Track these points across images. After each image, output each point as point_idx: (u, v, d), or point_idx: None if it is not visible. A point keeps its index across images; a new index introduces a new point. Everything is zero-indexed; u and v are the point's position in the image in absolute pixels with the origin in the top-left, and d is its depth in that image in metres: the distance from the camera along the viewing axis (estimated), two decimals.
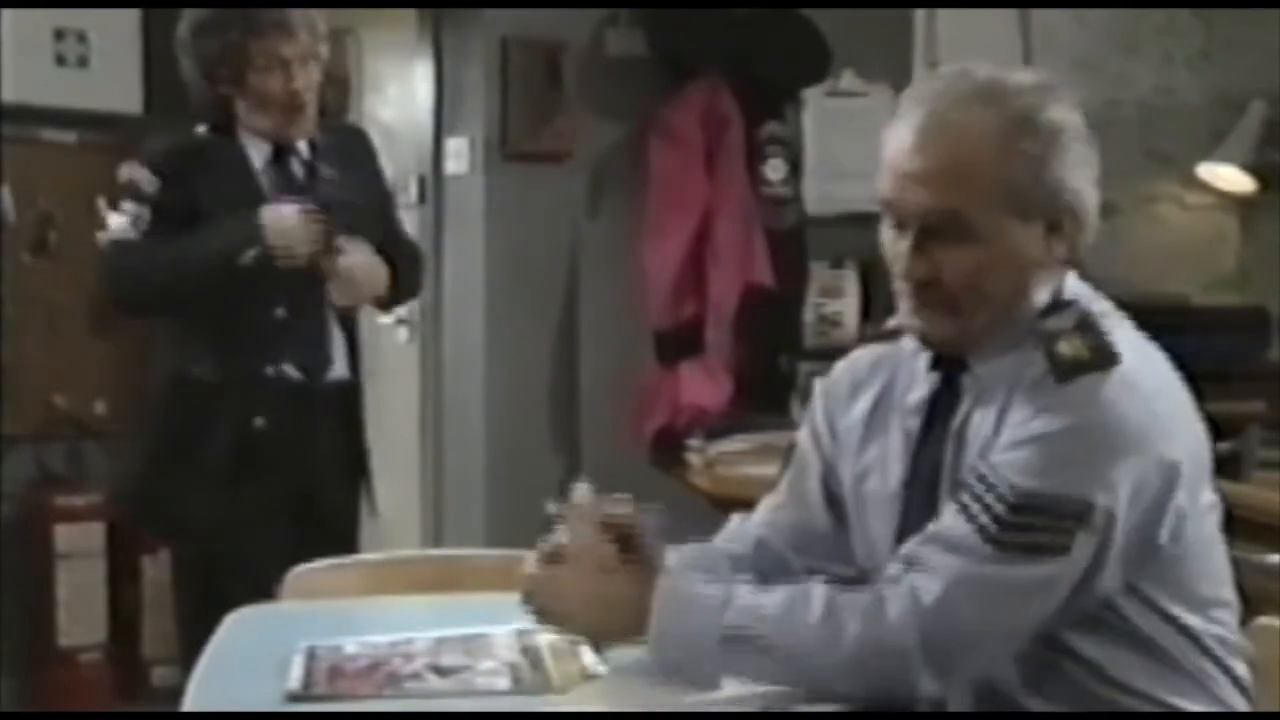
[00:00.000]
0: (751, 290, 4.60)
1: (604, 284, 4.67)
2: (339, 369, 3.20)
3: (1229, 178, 4.52)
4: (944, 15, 4.73)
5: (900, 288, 1.75)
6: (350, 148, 3.31)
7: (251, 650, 1.94)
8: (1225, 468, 1.96)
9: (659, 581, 1.73)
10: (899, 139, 1.72)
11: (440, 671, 1.79)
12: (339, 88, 4.61)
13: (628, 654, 1.79)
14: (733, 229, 4.61)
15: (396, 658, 1.84)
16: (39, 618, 4.61)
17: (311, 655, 1.84)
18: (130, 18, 4.74)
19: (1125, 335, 1.72)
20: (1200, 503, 1.71)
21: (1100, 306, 1.75)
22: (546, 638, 1.86)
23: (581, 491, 1.82)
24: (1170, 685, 1.69)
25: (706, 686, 1.68)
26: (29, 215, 4.63)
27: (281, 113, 3.10)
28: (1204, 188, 4.60)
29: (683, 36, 4.65)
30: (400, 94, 4.94)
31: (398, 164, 4.56)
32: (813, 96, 4.83)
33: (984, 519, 1.62)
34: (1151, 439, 1.64)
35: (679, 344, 4.64)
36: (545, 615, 1.80)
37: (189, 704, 1.77)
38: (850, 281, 4.77)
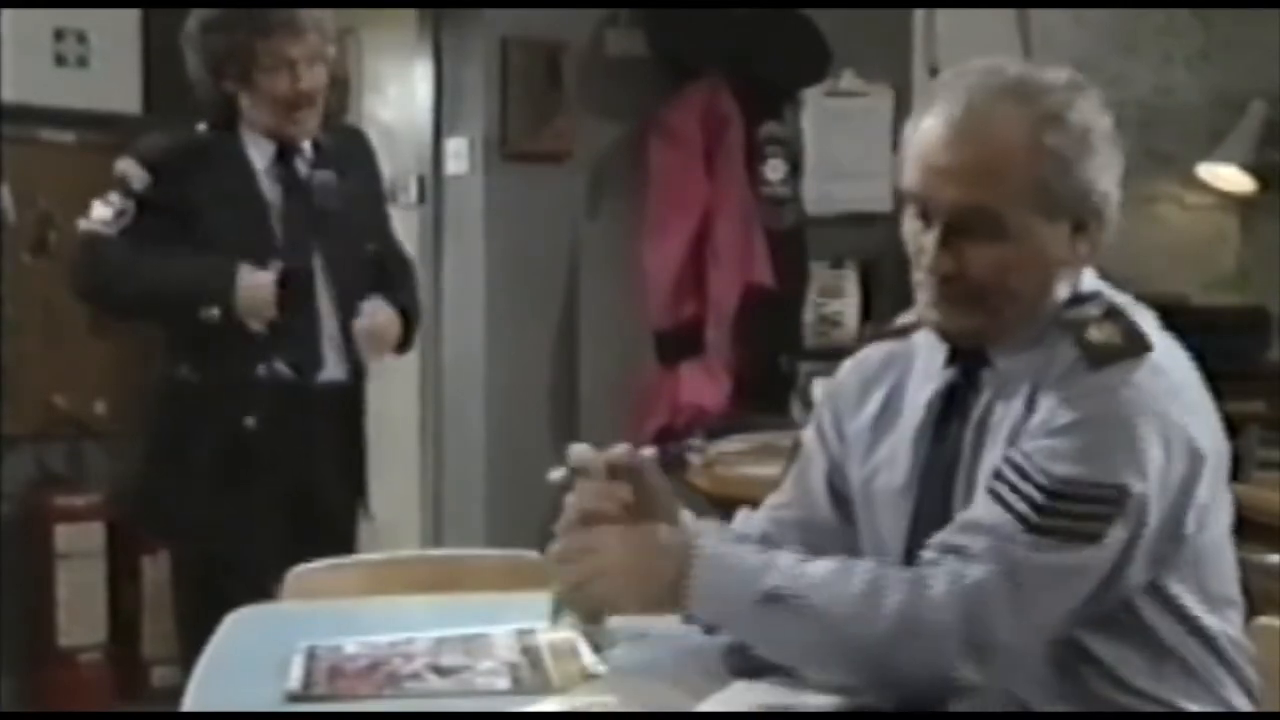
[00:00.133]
0: (751, 290, 4.61)
1: (604, 284, 4.67)
2: (334, 368, 3.18)
3: (1229, 178, 4.52)
4: (943, 15, 4.74)
5: (921, 280, 1.73)
6: (350, 150, 3.31)
7: (251, 650, 1.94)
8: None
9: (698, 542, 1.71)
10: (929, 132, 1.69)
11: (440, 671, 1.79)
12: (339, 88, 4.61)
13: (628, 654, 1.78)
14: (733, 229, 4.62)
15: (396, 658, 1.83)
16: (39, 618, 4.61)
17: (311, 655, 1.83)
18: (130, 18, 4.75)
19: (1151, 326, 1.71)
20: (1220, 497, 1.71)
21: (1122, 299, 1.75)
22: (546, 637, 1.85)
23: (579, 450, 1.82)
24: (1179, 688, 1.68)
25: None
26: (29, 215, 4.63)
27: (286, 112, 3.10)
28: (1204, 188, 4.60)
29: (683, 36, 4.65)
30: (400, 94, 4.95)
31: (397, 164, 4.56)
32: (812, 96, 4.83)
33: (1022, 507, 1.60)
34: (1182, 425, 1.63)
35: (679, 344, 4.65)
36: (586, 587, 1.73)
37: (189, 704, 1.76)
38: (850, 281, 4.77)
